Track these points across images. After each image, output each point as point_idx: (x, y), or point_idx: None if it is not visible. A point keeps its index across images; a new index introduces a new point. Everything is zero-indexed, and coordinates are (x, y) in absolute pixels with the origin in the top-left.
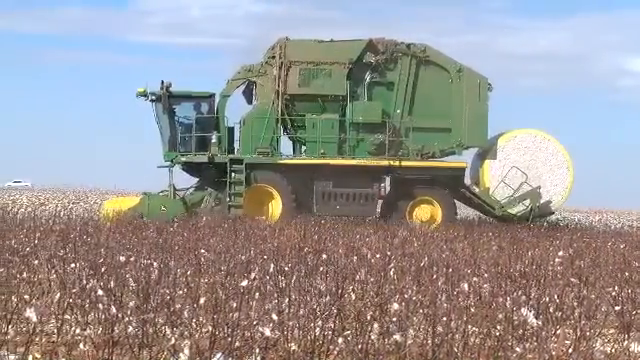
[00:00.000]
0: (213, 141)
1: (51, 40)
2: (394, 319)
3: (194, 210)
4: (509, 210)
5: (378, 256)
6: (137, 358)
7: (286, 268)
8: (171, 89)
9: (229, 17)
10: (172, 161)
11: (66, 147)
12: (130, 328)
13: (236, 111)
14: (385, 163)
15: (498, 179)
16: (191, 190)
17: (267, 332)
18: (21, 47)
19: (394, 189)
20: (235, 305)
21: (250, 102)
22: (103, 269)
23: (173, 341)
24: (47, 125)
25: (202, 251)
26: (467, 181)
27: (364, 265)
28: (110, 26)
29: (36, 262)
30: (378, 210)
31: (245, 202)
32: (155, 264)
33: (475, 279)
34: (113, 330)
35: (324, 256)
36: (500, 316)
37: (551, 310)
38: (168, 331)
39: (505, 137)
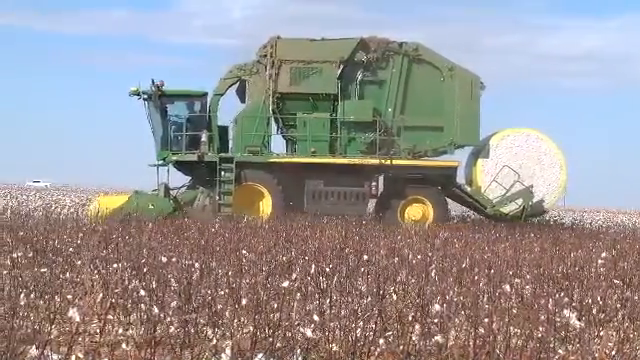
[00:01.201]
0: (203, 140)
1: (95, 41)
2: (435, 320)
3: (186, 209)
4: (501, 209)
5: (419, 257)
6: (179, 358)
7: (327, 269)
8: (163, 88)
9: (270, 18)
10: (164, 160)
11: (109, 148)
12: (172, 328)
13: (230, 110)
14: (376, 162)
15: (490, 178)
16: (183, 189)
17: (308, 333)
18: (67, 48)
19: (386, 188)
20: (276, 306)
21: (243, 101)
22: (145, 269)
23: (215, 341)
24: (92, 126)
25: (243, 252)
26: (461, 180)
27: (405, 266)
28: (153, 27)
29: (79, 262)
30: (370, 209)
31: (235, 201)
32: (197, 264)
33: (517, 280)
34: (155, 330)
35: (365, 257)
36: (542, 318)
37: (594, 312)
38: (210, 331)
39: (498, 136)
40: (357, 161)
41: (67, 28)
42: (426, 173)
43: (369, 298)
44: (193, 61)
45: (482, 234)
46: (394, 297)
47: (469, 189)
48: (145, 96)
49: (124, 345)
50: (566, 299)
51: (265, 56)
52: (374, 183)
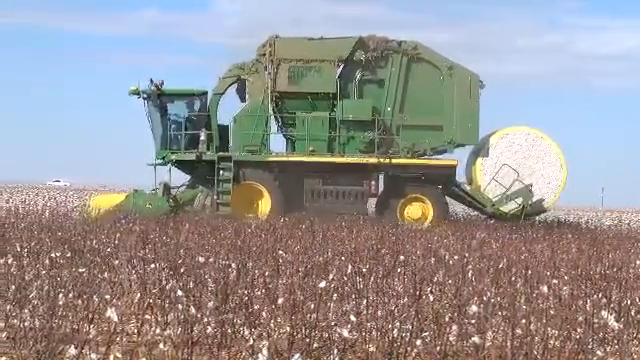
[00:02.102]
0: (202, 139)
1: (126, 42)
2: (473, 321)
3: (185, 208)
4: (501, 208)
5: (456, 257)
6: (216, 358)
7: (364, 269)
8: (163, 87)
9: (306, 19)
10: (164, 159)
11: (138, 148)
12: (209, 328)
13: (232, 109)
14: (374, 161)
15: (490, 177)
16: (183, 188)
17: (345, 333)
18: (96, 49)
19: (386, 187)
20: (313, 306)
21: (243, 100)
22: (182, 270)
23: (251, 342)
24: (125, 125)
25: (280, 252)
26: (460, 179)
27: (442, 267)
28: (190, 28)
29: (117, 262)
30: (371, 208)
31: (234, 200)
32: (233, 265)
33: (555, 281)
34: (192, 330)
35: (402, 257)
36: (580, 319)
37: (632, 313)
38: (246, 332)
39: (497, 135)
40: (355, 160)
41: (98, 28)
42: (425, 172)
43: (406, 299)
44: (223, 60)
45: (519, 234)
46: (431, 298)
47: (468, 188)
48: (145, 95)
49: (161, 345)
50: (604, 300)
51: (264, 55)
52: (373, 182)
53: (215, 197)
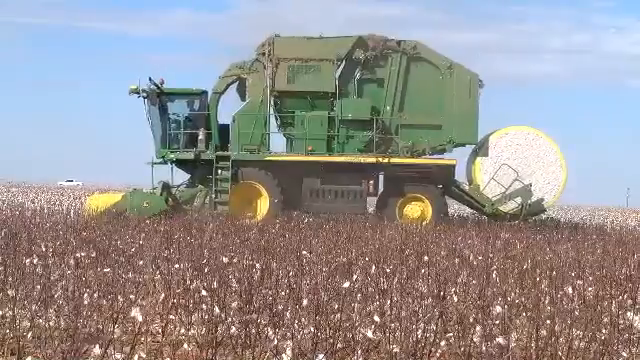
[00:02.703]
0: (200, 138)
1: (159, 43)
2: (497, 322)
3: (185, 207)
4: (500, 207)
5: (480, 258)
6: (240, 358)
7: (388, 270)
8: (163, 86)
9: (330, 20)
10: (163, 158)
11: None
12: (233, 329)
13: (233, 108)
14: (373, 160)
15: (489, 176)
16: (182, 187)
17: (369, 334)
18: (132, 50)
19: (385, 186)
20: (337, 306)
21: (244, 99)
22: (206, 270)
23: (275, 342)
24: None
25: (304, 252)
26: (460, 178)
27: (466, 267)
28: (221, 27)
29: (141, 263)
30: (370, 208)
31: (232, 199)
32: (257, 265)
33: (579, 282)
34: (216, 330)
35: (426, 258)
36: (605, 320)
37: None
38: (270, 332)
39: (497, 134)
40: (354, 159)
41: (131, 29)
42: (423, 171)
43: (430, 299)
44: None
45: (543, 235)
46: (455, 298)
47: (467, 187)
48: (145, 94)
49: (186, 345)
50: (629, 301)
51: (263, 54)
52: (372, 181)
53: (213, 196)
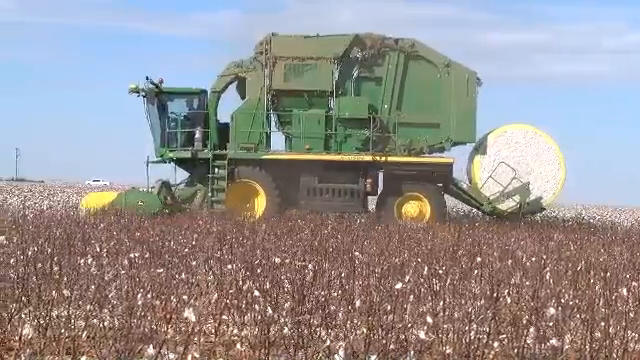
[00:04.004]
0: (197, 136)
1: (204, 42)
2: (550, 324)
3: (184, 206)
4: (498, 206)
5: (533, 259)
6: (292, 359)
7: (440, 271)
8: (162, 86)
9: (380, 20)
10: (162, 157)
11: None
12: (286, 329)
13: (233, 107)
14: (369, 158)
15: (488, 175)
16: (182, 185)
17: (422, 335)
18: (178, 51)
19: (384, 185)
20: (390, 307)
21: (244, 98)
22: (259, 270)
23: (328, 343)
24: None
25: (356, 253)
26: (459, 177)
27: (519, 268)
28: (271, 28)
29: (194, 263)
30: (370, 207)
31: (229, 198)
32: (310, 266)
33: (634, 284)
34: (269, 331)
35: (478, 259)
36: None
37: None
38: (323, 333)
39: (496, 132)
40: (351, 158)
41: (178, 30)
42: (421, 170)
43: (482, 300)
44: None
45: (597, 236)
46: (508, 300)
47: (464, 186)
48: (144, 94)
49: (238, 345)
50: None
51: (261, 53)
52: (369, 180)
53: (209, 195)
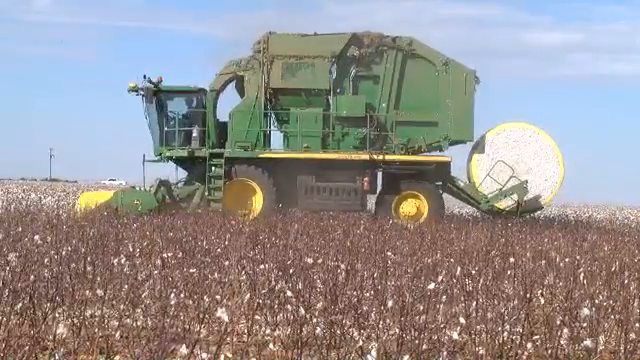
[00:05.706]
0: (194, 135)
1: (232, 45)
2: (584, 324)
3: (183, 204)
4: (496, 204)
5: (567, 260)
6: (325, 359)
7: (473, 271)
8: (161, 85)
9: (416, 21)
10: (160, 155)
11: None
12: (318, 329)
13: (231, 106)
14: (367, 157)
15: (486, 173)
16: (180, 184)
17: (455, 335)
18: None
19: (382, 183)
20: (422, 308)
21: (243, 97)
22: (291, 270)
23: (360, 343)
24: None
25: (388, 253)
26: (458, 175)
27: (553, 269)
28: (305, 29)
29: (227, 263)
30: (369, 205)
31: (227, 196)
32: (342, 266)
33: None
34: (302, 331)
35: (511, 259)
36: None
37: None
38: (355, 333)
39: (494, 131)
40: (348, 156)
41: (220, 32)
42: (419, 168)
43: (516, 301)
44: None
45: (631, 237)
46: (541, 300)
47: (462, 184)
48: (143, 92)
49: (271, 345)
50: None
51: (259, 51)
52: (366, 178)
53: (206, 193)
